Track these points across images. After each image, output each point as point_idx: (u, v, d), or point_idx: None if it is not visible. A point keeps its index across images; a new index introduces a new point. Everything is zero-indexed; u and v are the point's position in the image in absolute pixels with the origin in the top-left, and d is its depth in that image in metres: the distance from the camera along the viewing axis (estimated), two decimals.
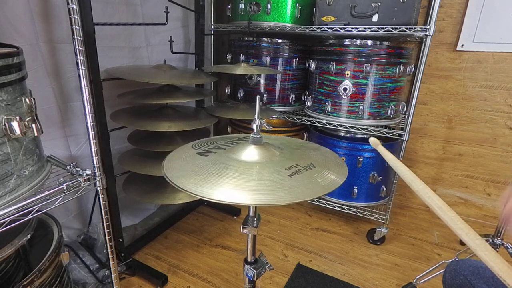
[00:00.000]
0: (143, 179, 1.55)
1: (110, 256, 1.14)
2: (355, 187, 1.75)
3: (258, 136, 0.77)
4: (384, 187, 1.77)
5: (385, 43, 1.54)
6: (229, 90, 2.03)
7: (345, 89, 1.62)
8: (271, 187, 0.63)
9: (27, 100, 0.78)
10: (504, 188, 1.94)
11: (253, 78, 1.87)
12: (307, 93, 1.85)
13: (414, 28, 1.44)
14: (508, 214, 0.60)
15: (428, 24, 1.41)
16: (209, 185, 0.63)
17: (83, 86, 0.94)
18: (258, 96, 0.76)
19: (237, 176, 0.66)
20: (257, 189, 0.62)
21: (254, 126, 0.76)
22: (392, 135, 1.64)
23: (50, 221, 1.08)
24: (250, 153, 0.75)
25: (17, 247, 0.84)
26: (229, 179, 0.66)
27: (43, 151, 0.92)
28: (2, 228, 0.73)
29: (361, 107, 1.62)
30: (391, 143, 1.74)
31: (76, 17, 0.89)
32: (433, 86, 1.96)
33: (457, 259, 1.08)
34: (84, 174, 0.95)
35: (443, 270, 0.89)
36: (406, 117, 1.59)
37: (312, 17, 1.69)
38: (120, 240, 1.44)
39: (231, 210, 2.00)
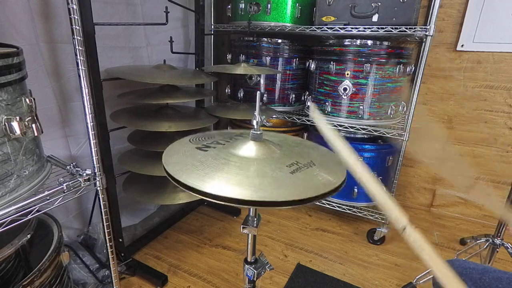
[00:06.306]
0: (143, 179, 1.55)
1: (110, 256, 1.14)
2: (355, 187, 1.75)
3: (258, 132, 0.76)
4: (384, 187, 1.77)
5: (385, 43, 1.54)
6: (229, 90, 2.03)
7: (345, 89, 1.62)
8: (273, 184, 0.62)
9: (27, 100, 0.78)
10: (504, 188, 1.94)
11: (253, 78, 1.87)
12: (307, 93, 1.85)
13: (414, 28, 1.44)
14: None
15: (428, 24, 1.40)
16: (210, 182, 0.62)
17: (83, 86, 0.94)
18: (258, 92, 0.75)
19: (240, 173, 0.65)
20: (261, 187, 0.61)
21: (254, 122, 0.76)
22: (392, 135, 1.64)
23: (50, 221, 1.07)
24: (251, 149, 0.74)
25: (17, 247, 0.84)
26: (231, 175, 0.64)
27: (43, 151, 0.92)
28: (2, 228, 0.73)
29: (361, 107, 1.61)
30: (391, 143, 1.74)
31: (76, 17, 0.89)
32: (433, 86, 1.96)
33: (457, 259, 1.08)
34: (84, 174, 0.95)
35: None
36: (406, 117, 1.59)
37: (312, 17, 1.69)
38: (120, 240, 1.44)
39: (231, 210, 2.00)
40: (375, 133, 1.69)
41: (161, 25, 1.35)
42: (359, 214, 1.82)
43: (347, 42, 1.59)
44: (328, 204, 1.86)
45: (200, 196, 0.60)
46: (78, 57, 0.92)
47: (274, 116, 1.91)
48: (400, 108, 1.69)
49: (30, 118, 0.78)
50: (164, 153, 0.76)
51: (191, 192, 0.61)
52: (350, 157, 0.55)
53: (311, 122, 1.79)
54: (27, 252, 0.98)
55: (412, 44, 1.90)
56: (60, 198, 0.87)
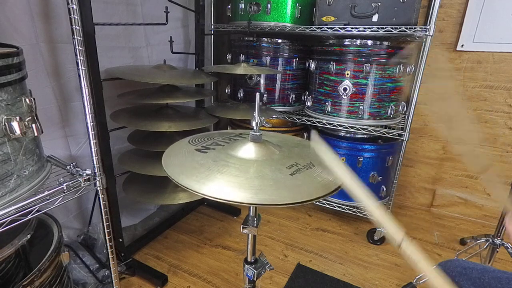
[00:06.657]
0: (143, 179, 1.55)
1: (110, 256, 1.14)
2: None
3: (257, 133, 0.76)
4: (384, 187, 1.77)
5: (385, 43, 1.54)
6: (229, 90, 2.03)
7: (345, 89, 1.62)
8: (274, 186, 0.63)
9: (27, 100, 0.78)
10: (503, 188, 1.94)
11: (253, 78, 1.87)
12: (307, 93, 1.85)
13: (414, 28, 1.44)
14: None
15: (428, 24, 1.41)
16: (211, 184, 0.63)
17: (83, 86, 0.94)
18: (258, 93, 0.75)
19: (239, 175, 0.66)
20: (261, 188, 0.62)
21: (253, 124, 0.75)
22: (392, 135, 1.64)
23: (50, 221, 1.07)
24: (250, 150, 0.75)
25: (17, 247, 0.84)
26: (231, 177, 0.65)
27: (43, 151, 0.92)
28: (2, 228, 0.73)
29: (361, 107, 1.61)
30: (391, 143, 1.74)
31: (76, 17, 0.89)
32: (433, 86, 1.96)
33: (456, 258, 1.08)
34: (84, 174, 0.95)
35: None
36: (406, 117, 1.59)
37: (312, 17, 1.69)
38: (120, 240, 1.44)
39: (231, 210, 2.00)
40: (375, 133, 1.69)
41: (161, 25, 1.35)
42: (359, 214, 1.82)
43: (347, 42, 1.59)
44: (328, 204, 1.86)
45: (201, 195, 0.61)
46: (78, 57, 0.92)
47: (274, 116, 1.91)
48: (400, 108, 1.70)
49: (30, 118, 0.78)
50: (164, 155, 0.76)
51: (193, 191, 0.61)
52: (347, 177, 0.57)
53: (311, 122, 1.79)
54: (27, 252, 0.98)
55: (412, 44, 1.89)
56: (60, 198, 0.87)
